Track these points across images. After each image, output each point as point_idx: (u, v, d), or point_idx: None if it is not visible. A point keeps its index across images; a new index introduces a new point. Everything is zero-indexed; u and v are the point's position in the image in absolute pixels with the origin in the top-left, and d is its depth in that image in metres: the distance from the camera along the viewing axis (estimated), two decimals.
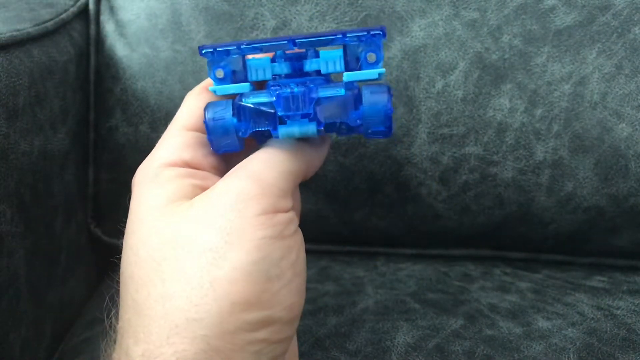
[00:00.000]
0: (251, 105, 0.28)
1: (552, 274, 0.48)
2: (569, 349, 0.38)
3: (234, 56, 0.29)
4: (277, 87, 0.28)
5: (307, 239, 0.30)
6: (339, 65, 0.29)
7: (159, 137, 0.31)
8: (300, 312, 0.27)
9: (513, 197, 0.47)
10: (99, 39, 0.50)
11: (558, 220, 0.47)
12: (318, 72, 0.30)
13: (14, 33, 0.41)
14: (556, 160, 0.45)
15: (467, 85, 0.45)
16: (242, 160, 0.29)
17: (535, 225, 0.48)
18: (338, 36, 0.28)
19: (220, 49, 0.29)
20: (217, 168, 0.30)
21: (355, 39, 0.28)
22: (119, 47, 0.49)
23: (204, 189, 0.28)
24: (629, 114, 0.44)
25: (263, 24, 0.46)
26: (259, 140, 0.31)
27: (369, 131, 0.29)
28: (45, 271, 0.44)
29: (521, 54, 0.45)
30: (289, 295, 0.26)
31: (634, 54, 0.44)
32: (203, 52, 0.29)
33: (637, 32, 0.44)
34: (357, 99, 0.28)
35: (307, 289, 0.29)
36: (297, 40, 0.28)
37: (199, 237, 0.26)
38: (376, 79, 0.29)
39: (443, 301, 0.43)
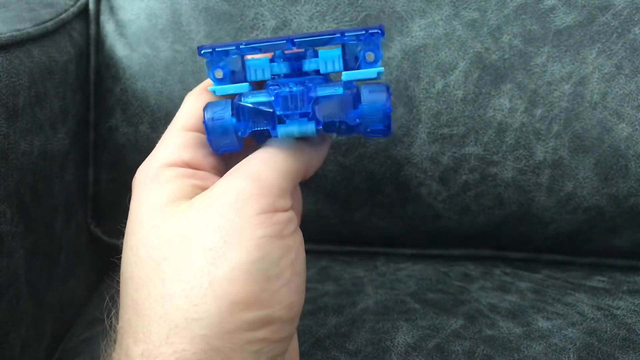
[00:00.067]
0: (250, 105, 0.28)
1: (552, 274, 0.48)
2: (569, 349, 0.38)
3: (233, 56, 0.29)
4: (276, 87, 0.28)
5: (307, 239, 0.30)
6: (338, 65, 0.29)
7: (159, 137, 0.31)
8: (300, 311, 0.27)
9: (513, 197, 0.47)
10: (99, 39, 0.50)
11: (558, 220, 0.47)
12: (317, 72, 0.30)
13: (14, 33, 0.41)
14: (556, 160, 0.45)
15: (467, 85, 0.45)
16: (241, 160, 0.29)
17: (535, 225, 0.48)
18: (336, 35, 0.28)
19: (219, 49, 0.29)
20: (216, 168, 0.30)
21: (353, 38, 0.28)
22: (119, 47, 0.49)
23: (203, 189, 0.28)
24: (629, 114, 0.44)
25: (263, 24, 0.46)
26: (258, 140, 0.31)
27: (368, 130, 0.29)
28: (45, 271, 0.44)
29: (521, 54, 0.45)
30: (289, 294, 0.26)
31: (634, 54, 0.44)
32: (202, 52, 0.29)
33: (637, 32, 0.44)
34: (356, 98, 0.28)
35: (307, 289, 0.29)
36: (295, 40, 0.28)
37: (199, 237, 0.26)
38: (375, 78, 0.29)
39: (443, 301, 0.43)
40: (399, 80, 0.45)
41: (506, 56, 0.45)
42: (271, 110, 0.28)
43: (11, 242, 0.39)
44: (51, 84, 0.44)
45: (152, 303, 0.25)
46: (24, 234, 0.40)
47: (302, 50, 0.30)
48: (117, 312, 0.28)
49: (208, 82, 0.31)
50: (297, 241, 0.27)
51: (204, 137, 0.30)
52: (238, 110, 0.29)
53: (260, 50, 0.29)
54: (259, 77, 0.30)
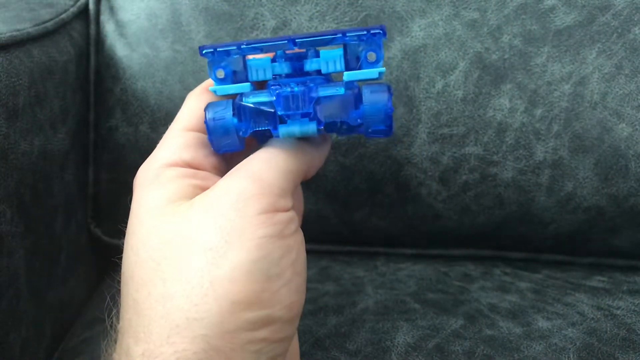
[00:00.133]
0: (251, 105, 0.28)
1: (552, 274, 0.48)
2: (569, 349, 0.38)
3: (235, 56, 0.29)
4: (277, 87, 0.28)
5: (308, 239, 0.30)
6: (339, 65, 0.29)
7: (159, 137, 0.31)
8: (301, 311, 0.27)
9: (513, 197, 0.47)
10: (99, 39, 0.50)
11: (558, 220, 0.47)
12: (318, 72, 0.30)
13: (14, 33, 0.41)
14: (556, 160, 0.45)
15: (467, 85, 0.45)
16: (243, 160, 0.29)
17: (535, 225, 0.48)
18: (338, 35, 0.28)
19: (220, 50, 0.29)
20: (218, 168, 0.30)
21: (355, 38, 0.28)
22: (119, 47, 0.49)
23: (204, 189, 0.28)
24: (629, 114, 0.44)
25: (263, 24, 0.46)
26: (259, 140, 0.31)
27: (370, 130, 0.29)
28: (45, 271, 0.44)
29: (521, 54, 0.45)
30: (289, 294, 0.26)
31: (634, 54, 0.44)
32: (203, 52, 0.29)
33: (637, 32, 0.44)
34: (358, 98, 0.28)
35: (307, 289, 0.29)
36: (297, 40, 0.28)
37: (199, 237, 0.26)
38: (376, 78, 0.29)
39: (443, 301, 0.43)
40: (399, 80, 0.45)
41: (506, 56, 0.45)
42: (272, 110, 0.28)
43: (11, 242, 0.39)
44: (51, 84, 0.44)
45: (153, 303, 0.25)
46: (24, 234, 0.40)
47: (304, 50, 0.30)
48: (117, 312, 0.28)
49: (209, 82, 0.31)
50: (297, 241, 0.27)
51: (205, 137, 0.30)
52: (239, 110, 0.29)
53: (261, 50, 0.29)
54: (261, 77, 0.30)
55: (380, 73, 0.29)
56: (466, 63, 0.45)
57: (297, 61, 0.30)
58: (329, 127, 0.30)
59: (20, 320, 0.40)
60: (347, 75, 0.29)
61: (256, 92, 0.29)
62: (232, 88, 0.29)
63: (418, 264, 0.50)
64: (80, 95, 0.49)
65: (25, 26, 0.43)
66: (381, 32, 0.28)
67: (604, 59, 0.44)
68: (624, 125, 0.45)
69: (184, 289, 0.25)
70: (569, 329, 0.40)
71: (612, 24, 0.44)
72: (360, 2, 0.46)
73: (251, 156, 0.28)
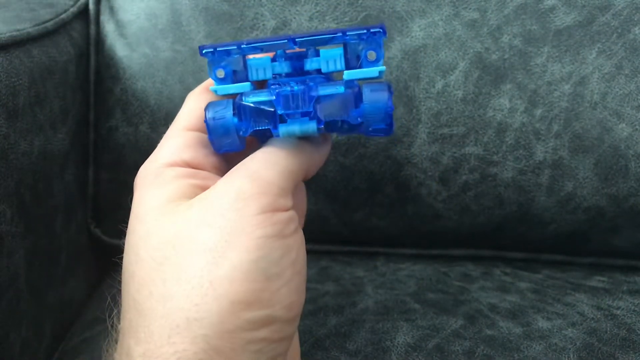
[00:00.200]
0: (251, 104, 0.28)
1: (552, 274, 0.48)
2: (569, 349, 0.38)
3: (235, 56, 0.29)
4: (277, 86, 0.28)
5: (307, 239, 0.30)
6: (340, 64, 0.29)
7: (159, 137, 0.31)
8: (300, 310, 0.27)
9: (513, 197, 0.47)
10: (99, 39, 0.50)
11: (558, 220, 0.47)
12: (318, 71, 0.30)
13: (14, 33, 0.41)
14: (556, 160, 0.45)
15: (467, 85, 0.45)
16: (243, 159, 0.29)
17: (535, 225, 0.48)
18: (338, 34, 0.28)
19: (220, 49, 0.29)
20: (218, 168, 0.30)
21: (355, 37, 0.28)
22: (119, 47, 0.49)
23: (204, 188, 0.28)
24: (629, 114, 0.44)
25: (263, 24, 0.46)
26: (260, 139, 0.31)
27: (370, 129, 0.29)
28: (45, 271, 0.44)
29: (521, 54, 0.45)
30: (289, 293, 0.26)
31: (634, 54, 0.44)
32: (203, 52, 0.29)
33: (637, 32, 0.44)
34: (358, 97, 0.28)
35: (307, 289, 0.29)
36: (297, 39, 0.28)
37: (199, 237, 0.26)
38: (377, 77, 0.29)
39: (443, 301, 0.43)
40: (399, 80, 0.45)
41: (506, 56, 0.45)
42: (272, 109, 0.28)
43: (11, 242, 0.39)
44: (51, 84, 0.44)
45: (154, 303, 0.25)
46: (24, 234, 0.40)
47: (304, 49, 0.30)
48: (118, 312, 0.28)
49: (209, 82, 0.31)
50: (297, 241, 0.27)
51: (205, 136, 0.30)
52: (239, 110, 0.28)
53: (261, 49, 0.29)
54: (261, 77, 0.30)
55: (380, 72, 0.29)
56: (466, 63, 0.45)
57: (297, 60, 0.30)
58: (329, 126, 0.30)
59: (20, 320, 0.40)
60: (347, 74, 0.29)
61: (256, 91, 0.29)
62: (232, 88, 0.29)
63: (418, 264, 0.50)
64: (80, 95, 0.49)
65: (25, 26, 0.43)
66: (381, 30, 0.28)
67: (604, 59, 0.44)
68: (624, 125, 0.45)
69: (184, 288, 0.25)
70: (569, 329, 0.40)
71: (612, 24, 0.44)
72: (360, 2, 0.46)
73: (251, 155, 0.28)
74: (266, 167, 0.27)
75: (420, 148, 0.46)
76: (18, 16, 0.45)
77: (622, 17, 0.44)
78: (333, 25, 0.46)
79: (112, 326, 0.29)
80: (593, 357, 0.38)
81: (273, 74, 0.30)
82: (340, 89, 0.28)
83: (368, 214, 0.49)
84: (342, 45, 0.29)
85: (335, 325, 0.41)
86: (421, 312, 0.42)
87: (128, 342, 0.26)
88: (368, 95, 0.28)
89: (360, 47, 0.29)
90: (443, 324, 0.41)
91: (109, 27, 0.49)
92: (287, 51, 0.30)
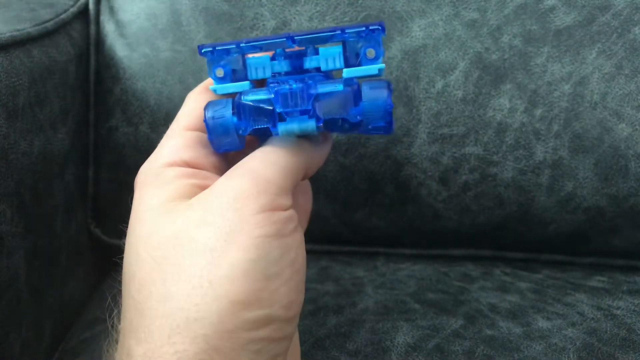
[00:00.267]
0: (250, 103, 0.28)
1: (552, 274, 0.48)
2: (569, 349, 0.38)
3: (234, 55, 0.29)
4: (276, 84, 0.28)
5: (307, 239, 0.30)
6: (339, 62, 0.29)
7: (159, 137, 0.31)
8: (300, 310, 0.27)
9: (513, 197, 0.47)
10: (99, 39, 0.50)
11: (558, 220, 0.47)
12: (318, 69, 0.30)
13: (14, 33, 0.41)
14: (556, 160, 0.45)
15: (467, 85, 0.45)
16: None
17: (535, 225, 0.48)
18: (337, 32, 0.28)
19: (219, 48, 0.29)
20: (218, 167, 0.30)
21: (354, 34, 0.28)
22: (119, 47, 0.49)
23: (204, 188, 0.28)
24: (629, 114, 0.44)
25: (263, 24, 0.46)
26: (260, 138, 0.31)
27: (370, 127, 0.29)
28: (45, 271, 0.44)
29: (521, 54, 0.45)
30: (288, 293, 0.26)
31: (634, 54, 0.44)
32: (203, 51, 0.29)
33: (637, 32, 0.44)
34: (357, 95, 0.28)
35: (307, 289, 0.29)
36: (296, 38, 0.28)
37: (199, 237, 0.26)
38: (376, 75, 0.29)
39: (443, 301, 0.43)
40: (399, 80, 0.45)
41: (506, 56, 0.45)
42: (271, 107, 0.28)
43: (11, 242, 0.39)
44: (51, 84, 0.44)
45: (154, 303, 0.25)
46: (24, 234, 0.40)
47: (303, 48, 0.30)
48: (118, 312, 0.28)
49: (209, 82, 0.31)
50: (296, 240, 0.27)
51: (205, 136, 0.30)
52: (239, 109, 0.28)
53: (261, 48, 0.29)
54: (260, 76, 0.30)
55: (380, 69, 0.29)
56: (466, 63, 0.45)
57: (296, 59, 0.30)
58: (329, 124, 0.29)
59: (20, 320, 0.40)
60: (347, 72, 0.29)
61: (255, 90, 0.29)
62: (232, 87, 0.29)
63: (418, 264, 0.50)
64: (80, 95, 0.49)
65: (25, 26, 0.43)
66: (380, 28, 0.28)
67: (604, 59, 0.44)
68: (624, 125, 0.45)
69: (184, 288, 0.25)
70: (569, 329, 0.40)
71: (612, 24, 0.44)
72: (360, 2, 0.46)
73: (250, 154, 0.28)
74: (265, 166, 0.27)
75: (420, 148, 0.46)
76: (18, 16, 0.45)
77: (622, 17, 0.44)
78: (333, 25, 0.46)
79: (112, 326, 0.29)
80: (593, 357, 0.38)
81: (272, 73, 0.30)
82: (339, 86, 0.28)
83: (368, 214, 0.49)
84: (341, 43, 0.29)
85: (335, 325, 0.41)
86: (421, 312, 0.42)
87: (128, 342, 0.26)
88: (367, 92, 0.28)
89: (360, 45, 0.29)
90: (443, 324, 0.41)
91: (109, 27, 0.49)
92: (286, 50, 0.30)
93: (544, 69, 0.45)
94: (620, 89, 0.44)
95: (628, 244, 0.48)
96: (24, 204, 0.40)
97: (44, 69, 0.43)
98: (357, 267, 0.49)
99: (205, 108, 0.29)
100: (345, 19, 0.46)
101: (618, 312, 0.42)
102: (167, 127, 0.31)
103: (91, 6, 0.50)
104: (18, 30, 0.42)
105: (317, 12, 0.46)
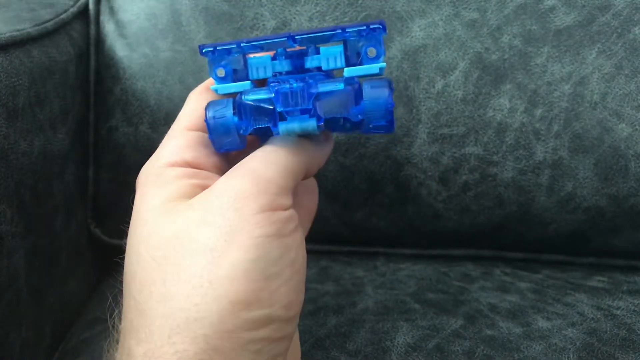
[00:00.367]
0: (251, 103, 0.28)
1: (552, 274, 0.48)
2: (569, 349, 0.38)
3: (235, 55, 0.29)
4: (277, 83, 0.28)
5: (307, 239, 0.30)
6: (340, 61, 0.29)
7: (159, 137, 0.31)
8: (300, 310, 0.27)
9: (513, 197, 0.47)
10: (99, 39, 0.50)
11: (558, 220, 0.47)
12: (319, 69, 0.30)
13: (14, 33, 0.41)
14: (556, 160, 0.45)
15: (467, 86, 0.45)
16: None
17: (535, 225, 0.48)
18: (338, 31, 0.28)
19: (220, 48, 0.29)
20: (219, 168, 0.30)
21: (355, 34, 0.28)
22: (119, 47, 0.49)
23: (205, 188, 0.28)
24: (629, 114, 0.44)
25: (263, 24, 0.46)
26: (261, 138, 0.31)
27: (371, 126, 0.29)
28: (45, 271, 0.44)
29: (521, 54, 0.45)
30: (288, 293, 0.26)
31: (634, 54, 0.44)
32: (204, 51, 0.29)
33: (637, 32, 0.44)
34: (358, 94, 0.28)
35: (307, 289, 0.29)
36: (296, 37, 0.28)
37: (199, 237, 0.26)
38: (377, 74, 0.29)
39: (443, 301, 0.43)
40: (399, 80, 0.45)
41: (506, 56, 0.45)
42: (272, 107, 0.28)
43: (11, 242, 0.39)
44: (51, 84, 0.44)
45: (154, 303, 0.25)
46: (24, 234, 0.40)
47: (304, 47, 0.30)
48: (119, 313, 0.28)
49: (210, 81, 0.31)
50: (297, 240, 0.27)
51: (206, 136, 0.30)
52: (239, 108, 0.28)
53: (261, 48, 0.29)
54: (261, 75, 0.30)
55: (381, 68, 0.29)
56: (466, 63, 0.45)
57: (297, 59, 0.30)
58: (330, 124, 0.29)
59: (20, 320, 0.40)
60: (348, 71, 0.29)
61: (256, 89, 0.29)
62: (233, 87, 0.29)
63: (418, 264, 0.50)
64: (80, 95, 0.49)
65: (25, 26, 0.43)
66: (381, 27, 0.28)
67: (604, 59, 0.44)
68: (624, 125, 0.45)
69: (185, 288, 0.25)
70: (569, 329, 0.40)
71: (612, 24, 0.44)
72: (360, 2, 0.46)
73: (251, 154, 0.28)
74: (266, 166, 0.27)
75: (420, 148, 0.46)
76: (18, 16, 0.45)
77: (622, 17, 0.44)
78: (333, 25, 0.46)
79: (113, 326, 0.29)
80: (593, 357, 0.38)
81: (273, 73, 0.30)
82: (340, 85, 0.28)
83: (368, 214, 0.49)
84: (342, 42, 0.29)
85: (335, 325, 0.41)
86: (421, 312, 0.42)
87: (129, 343, 0.26)
88: (368, 91, 0.28)
89: (360, 44, 0.29)
90: (443, 324, 0.41)
91: (109, 27, 0.49)
92: (287, 49, 0.30)
93: (544, 69, 0.45)
94: (620, 89, 0.44)
95: (628, 244, 0.48)
96: (24, 204, 0.40)
97: (44, 69, 0.43)
98: (357, 267, 0.49)
99: (206, 108, 0.29)
100: (345, 19, 0.46)
101: (618, 312, 0.42)
102: (167, 127, 0.31)
103: (91, 6, 0.50)
104: (18, 30, 0.42)
105: (317, 12, 0.46)
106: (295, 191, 0.29)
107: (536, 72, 0.45)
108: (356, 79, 0.28)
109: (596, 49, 0.44)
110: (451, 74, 0.45)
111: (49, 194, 0.44)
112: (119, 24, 0.49)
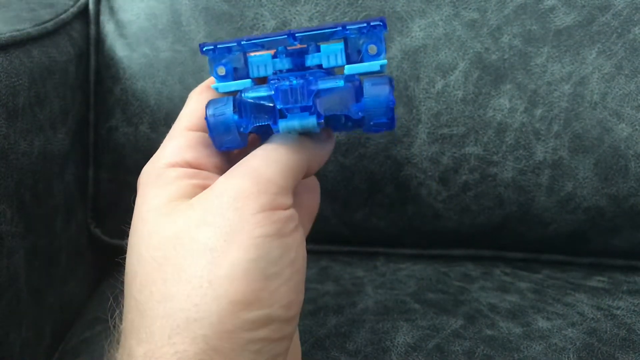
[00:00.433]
0: (251, 100, 0.28)
1: (552, 274, 0.48)
2: (569, 349, 0.38)
3: (235, 53, 0.29)
4: (276, 81, 0.28)
5: (307, 239, 0.30)
6: (340, 59, 0.29)
7: (159, 137, 0.31)
8: (299, 310, 0.27)
9: (513, 197, 0.47)
10: (99, 39, 0.50)
11: (558, 220, 0.47)
12: (320, 67, 0.30)
13: (14, 33, 0.41)
14: (556, 160, 0.45)
15: (467, 86, 0.45)
16: None
17: (535, 225, 0.48)
18: (338, 29, 0.28)
19: (221, 46, 0.29)
20: (220, 168, 0.30)
21: (355, 31, 0.28)
22: (119, 47, 0.49)
23: (205, 188, 0.28)
24: (629, 114, 0.44)
25: (263, 24, 0.46)
26: (262, 136, 0.31)
27: (372, 124, 0.29)
28: (45, 271, 0.44)
29: (521, 54, 0.45)
30: (288, 293, 0.26)
31: (634, 54, 0.44)
32: (204, 49, 0.29)
33: (637, 32, 0.44)
34: (358, 91, 0.28)
35: (307, 289, 0.29)
36: (297, 35, 0.28)
37: (199, 237, 0.26)
38: (378, 71, 0.29)
39: (443, 301, 0.43)
40: (399, 80, 0.45)
41: (506, 56, 0.45)
42: (272, 104, 0.28)
43: (11, 242, 0.39)
44: (51, 84, 0.44)
45: (154, 303, 0.25)
46: (24, 234, 0.40)
47: (305, 45, 0.29)
48: (120, 313, 0.28)
49: (210, 81, 0.31)
50: (297, 240, 0.27)
51: (207, 136, 0.30)
52: (239, 106, 0.28)
53: (262, 46, 0.29)
54: (262, 74, 0.30)
55: (382, 66, 0.28)
56: (466, 63, 0.45)
57: (298, 57, 0.30)
58: (330, 121, 0.29)
59: (20, 320, 0.40)
60: (348, 69, 0.29)
61: (256, 87, 0.29)
62: (233, 85, 0.29)
63: (418, 264, 0.50)
64: (80, 95, 0.49)
65: (25, 26, 0.43)
66: (381, 24, 0.28)
67: (604, 59, 0.44)
68: (624, 125, 0.45)
69: (185, 288, 0.25)
70: (569, 329, 0.40)
71: (612, 24, 0.44)
72: (360, 2, 0.46)
73: (252, 153, 0.28)
74: (266, 165, 0.27)
75: (420, 148, 0.46)
76: (18, 16, 0.45)
77: (622, 17, 0.44)
78: None
79: (114, 326, 0.29)
80: (593, 357, 0.38)
81: (274, 71, 0.30)
82: (340, 82, 0.28)
83: (368, 214, 0.49)
84: (342, 40, 0.29)
85: (335, 325, 0.41)
86: (421, 312, 0.42)
87: (130, 343, 0.26)
88: (369, 88, 0.28)
89: (361, 42, 0.29)
90: (443, 324, 0.41)
91: (109, 27, 0.49)
92: (288, 47, 0.30)
93: (544, 69, 0.45)
94: (620, 89, 0.44)
95: (628, 244, 0.48)
96: (24, 204, 0.40)
97: (44, 69, 0.43)
98: (357, 267, 0.49)
99: (206, 106, 0.29)
100: (345, 19, 0.46)
101: (618, 312, 0.42)
102: (167, 127, 0.31)
103: (91, 6, 0.50)
104: (18, 30, 0.42)
105: (317, 12, 0.46)
106: (296, 190, 0.29)
107: (536, 72, 0.45)
108: (357, 77, 0.28)
109: (596, 49, 0.44)
110: (451, 74, 0.45)
111: (49, 194, 0.44)
112: (119, 24, 0.49)
